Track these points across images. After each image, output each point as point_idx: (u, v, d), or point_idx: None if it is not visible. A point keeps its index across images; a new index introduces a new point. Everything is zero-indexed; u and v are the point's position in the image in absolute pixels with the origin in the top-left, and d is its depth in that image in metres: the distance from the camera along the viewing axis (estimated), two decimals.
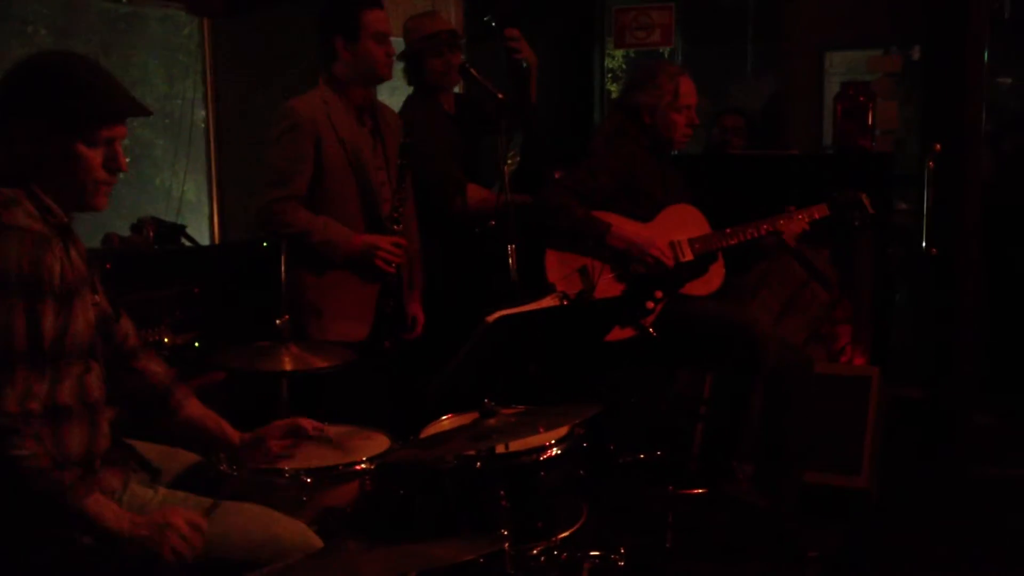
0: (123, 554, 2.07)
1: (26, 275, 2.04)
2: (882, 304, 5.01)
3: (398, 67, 4.35)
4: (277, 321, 3.15)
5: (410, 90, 4.41)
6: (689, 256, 3.87)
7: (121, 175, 2.26)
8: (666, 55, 7.28)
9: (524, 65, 4.22)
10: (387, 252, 3.62)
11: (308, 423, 2.65)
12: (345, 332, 3.63)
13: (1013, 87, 7.80)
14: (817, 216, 3.94)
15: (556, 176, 4.10)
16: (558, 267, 3.80)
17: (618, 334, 3.64)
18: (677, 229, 3.91)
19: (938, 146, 4.47)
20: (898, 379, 4.77)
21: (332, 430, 2.90)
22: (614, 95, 7.40)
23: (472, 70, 4.00)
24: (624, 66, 8.42)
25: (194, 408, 2.56)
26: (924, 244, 4.49)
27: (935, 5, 5.50)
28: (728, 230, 3.91)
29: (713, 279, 3.94)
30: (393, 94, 4.81)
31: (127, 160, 2.28)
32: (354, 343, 3.56)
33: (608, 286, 3.78)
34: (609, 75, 7.12)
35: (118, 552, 2.07)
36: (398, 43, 4.31)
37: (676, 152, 4.46)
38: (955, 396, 5.22)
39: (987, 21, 5.40)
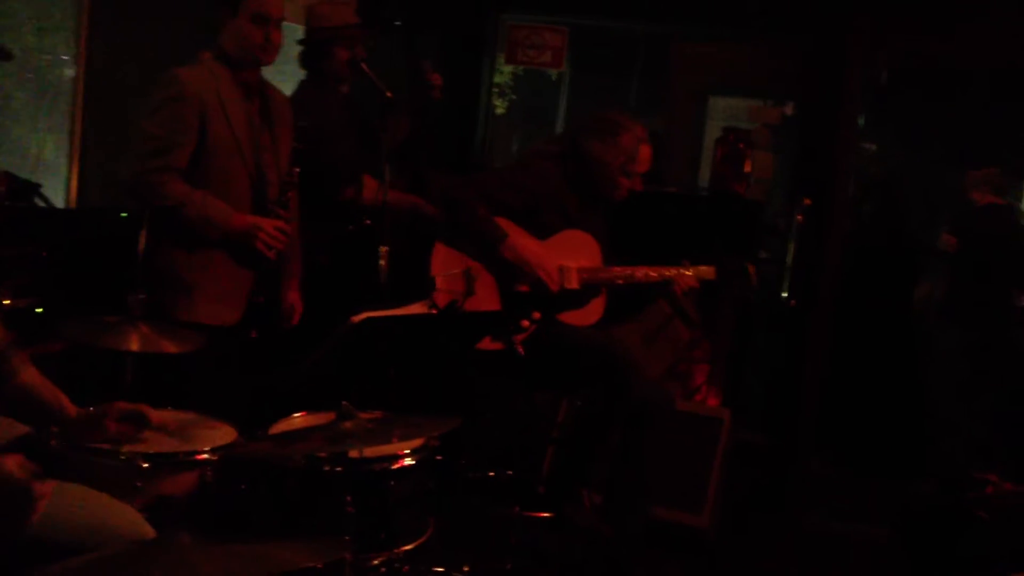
0: None
1: None
2: (739, 348, 5.11)
3: (295, 50, 4.25)
4: (128, 297, 2.99)
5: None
6: (574, 285, 3.82)
7: None
8: (554, 78, 7.32)
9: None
10: (269, 235, 3.49)
11: (154, 412, 2.51)
12: (216, 315, 3.45)
13: (877, 153, 8.11)
14: (704, 277, 3.91)
15: (442, 179, 4.06)
16: (443, 262, 3.71)
17: (486, 344, 3.59)
18: (569, 255, 3.85)
19: (808, 201, 4.59)
20: (744, 422, 4.87)
21: (177, 416, 2.77)
22: (499, 110, 7.41)
23: (364, 66, 3.94)
24: (511, 82, 8.43)
25: (30, 376, 2.41)
26: (785, 294, 4.60)
27: (815, 65, 5.69)
28: (617, 269, 3.88)
29: (592, 313, 3.89)
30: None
31: None
32: (223, 327, 3.42)
33: (487, 295, 3.71)
34: (496, 90, 7.11)
35: None
36: (294, 30, 4.21)
37: None
38: (795, 446, 5.37)
39: (862, 87, 5.61)
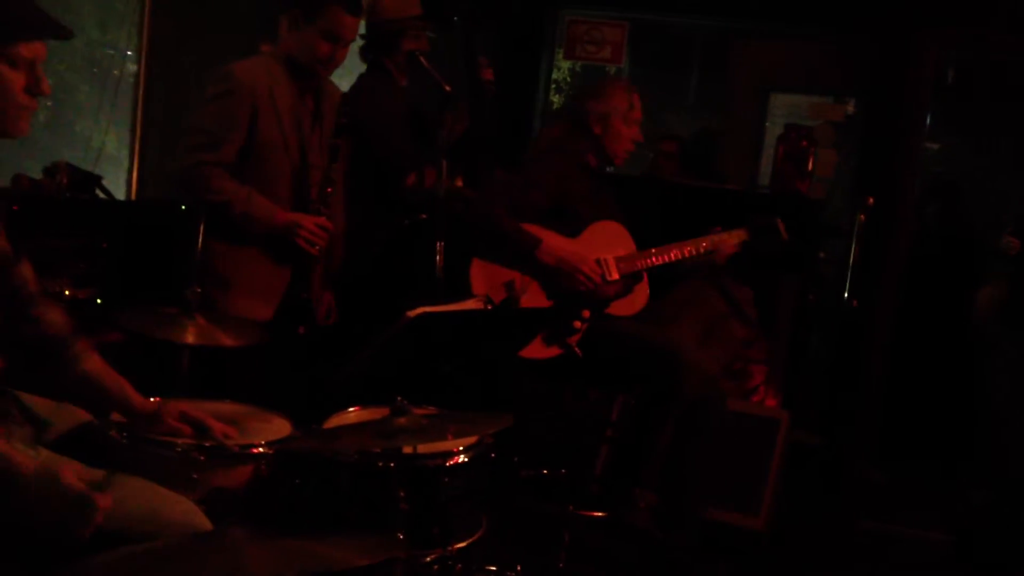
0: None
1: None
2: (799, 349, 5.03)
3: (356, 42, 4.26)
4: (186, 291, 3.00)
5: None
6: (615, 275, 3.79)
7: (40, 118, 2.14)
8: (613, 73, 7.25)
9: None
10: (310, 232, 3.51)
11: (219, 427, 2.51)
12: (250, 309, 3.48)
13: (940, 153, 7.96)
14: (737, 240, 3.93)
15: (499, 175, 4.04)
16: (483, 279, 3.66)
17: (544, 353, 3.56)
18: (603, 247, 3.82)
19: (871, 200, 4.49)
20: (802, 424, 4.80)
21: (232, 408, 2.78)
22: (556, 106, 7.36)
23: (422, 59, 3.93)
24: (569, 78, 8.39)
25: (94, 364, 2.41)
26: (846, 295, 4.51)
27: (881, 63, 5.59)
28: (653, 250, 3.86)
29: (637, 299, 3.87)
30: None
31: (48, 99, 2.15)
32: (258, 323, 3.43)
33: (533, 302, 3.68)
34: (553, 86, 7.07)
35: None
36: None
37: (613, 171, 4.41)
38: (854, 449, 5.29)
39: (930, 85, 5.51)
